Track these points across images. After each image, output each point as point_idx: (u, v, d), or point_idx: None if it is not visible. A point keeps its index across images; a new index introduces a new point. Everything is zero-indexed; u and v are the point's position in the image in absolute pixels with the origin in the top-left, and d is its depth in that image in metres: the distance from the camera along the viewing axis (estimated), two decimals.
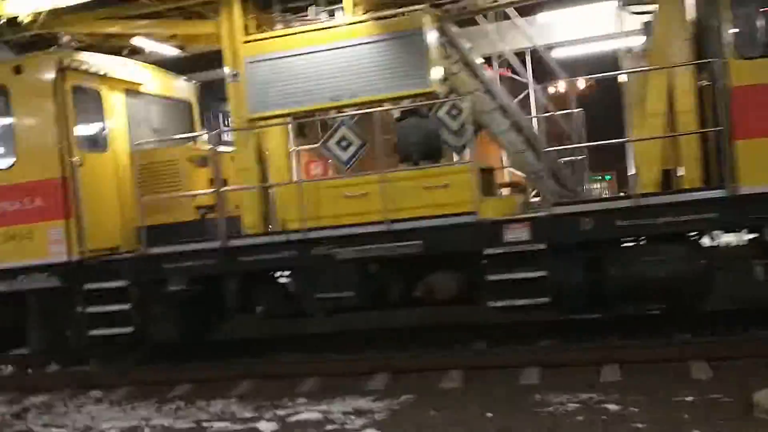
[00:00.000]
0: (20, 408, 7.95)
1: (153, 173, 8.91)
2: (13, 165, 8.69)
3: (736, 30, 6.82)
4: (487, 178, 8.20)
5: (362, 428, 5.89)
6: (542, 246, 7.26)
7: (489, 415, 5.94)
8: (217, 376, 8.16)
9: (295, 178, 9.82)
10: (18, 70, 8.65)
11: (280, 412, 6.66)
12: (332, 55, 8.14)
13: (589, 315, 8.16)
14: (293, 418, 6.42)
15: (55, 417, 7.42)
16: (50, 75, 8.49)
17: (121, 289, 8.39)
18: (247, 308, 8.53)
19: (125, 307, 8.37)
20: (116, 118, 9.30)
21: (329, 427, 6.05)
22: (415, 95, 8.22)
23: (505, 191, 9.25)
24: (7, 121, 8.80)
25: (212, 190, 8.38)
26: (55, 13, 9.17)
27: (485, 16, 8.99)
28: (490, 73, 8.69)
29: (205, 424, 6.54)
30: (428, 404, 6.43)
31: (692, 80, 7.41)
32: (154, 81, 10.03)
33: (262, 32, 8.76)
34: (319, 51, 8.19)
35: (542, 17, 10.75)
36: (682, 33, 7.54)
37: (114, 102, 9.28)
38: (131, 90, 9.56)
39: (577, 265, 7.38)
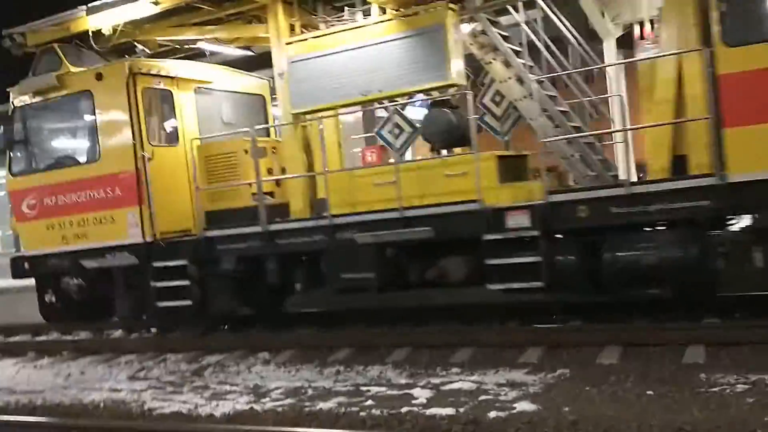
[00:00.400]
0: (198, 366, 8.69)
1: (216, 164, 9.89)
2: (98, 159, 10.08)
3: (723, 17, 6.69)
4: (514, 165, 8.48)
5: (515, 400, 5.89)
6: (534, 233, 7.59)
7: (649, 393, 5.74)
8: (375, 343, 8.46)
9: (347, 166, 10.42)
10: (99, 76, 9.95)
11: (435, 380, 6.82)
12: (361, 53, 8.62)
13: (588, 298, 8.39)
14: (447, 387, 6.55)
15: (228, 375, 8.06)
16: (123, 80, 9.72)
17: (183, 267, 9.54)
18: (287, 286, 9.46)
19: (185, 282, 9.52)
20: (187, 114, 10.46)
21: (482, 397, 6.10)
22: (436, 87, 8.56)
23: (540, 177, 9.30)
24: (93, 120, 10.11)
25: (252, 180, 9.32)
26: (134, 24, 10.19)
27: (515, 8, 8.98)
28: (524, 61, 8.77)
29: (363, 388, 6.82)
30: (584, 380, 6.32)
31: (700, 66, 7.18)
32: (226, 79, 11.10)
33: (303, 34, 9.37)
34: (349, 50, 8.70)
35: None
36: (689, 19, 7.32)
37: (184, 100, 10.45)
38: (201, 88, 10.70)
39: (572, 250, 7.63)
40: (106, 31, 10.15)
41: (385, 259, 8.58)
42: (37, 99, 10.53)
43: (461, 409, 5.80)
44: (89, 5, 10.17)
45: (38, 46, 10.65)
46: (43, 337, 11.75)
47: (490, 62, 8.66)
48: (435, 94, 8.93)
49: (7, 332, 12.31)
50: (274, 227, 9.14)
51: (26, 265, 10.90)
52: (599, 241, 7.54)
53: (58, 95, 10.33)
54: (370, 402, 6.35)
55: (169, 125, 10.41)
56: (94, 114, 10.06)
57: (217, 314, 10.02)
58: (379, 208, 8.43)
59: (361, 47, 8.64)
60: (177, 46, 11.00)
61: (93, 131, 10.12)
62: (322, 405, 6.37)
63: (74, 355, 10.24)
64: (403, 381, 7.01)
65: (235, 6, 9.76)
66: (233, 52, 11.40)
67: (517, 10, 9.05)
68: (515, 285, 7.73)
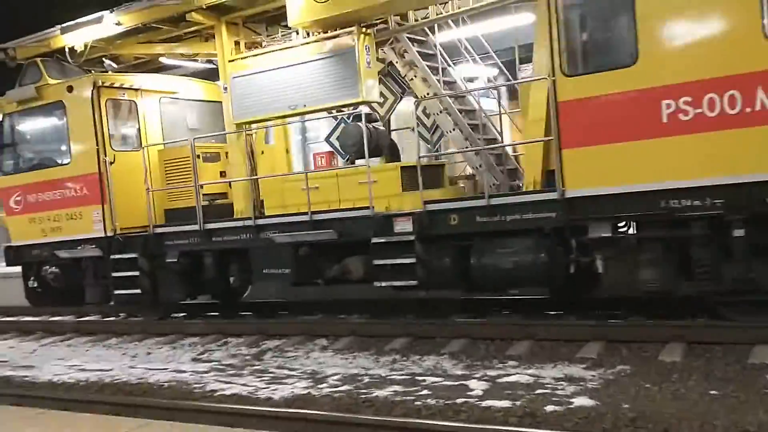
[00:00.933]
0: (258, 350, 8.89)
1: (173, 167, 11.06)
2: (69, 162, 11.37)
3: (563, 50, 7.41)
4: (428, 173, 9.21)
5: (573, 395, 5.83)
6: (412, 237, 8.58)
7: (713, 392, 5.61)
8: (430, 334, 8.49)
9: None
10: (70, 89, 11.22)
11: (491, 373, 6.81)
12: (289, 72, 9.51)
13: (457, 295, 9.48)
14: (503, 380, 6.53)
15: (287, 360, 8.23)
16: (88, 92, 10.98)
17: (135, 259, 10.70)
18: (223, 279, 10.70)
19: (136, 273, 10.70)
20: (150, 122, 11.64)
21: (539, 391, 6.07)
22: (349, 104, 9.38)
23: (461, 183, 10.34)
24: (65, 127, 11.37)
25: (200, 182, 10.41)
26: (106, 41, 11.26)
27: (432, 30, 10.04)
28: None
29: (418, 378, 6.86)
30: (645, 377, 6.22)
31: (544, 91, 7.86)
32: (190, 88, 12.15)
33: (242, 53, 10.33)
34: (279, 68, 9.60)
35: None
36: (547, 49, 7.65)
37: (148, 109, 11.61)
38: (166, 98, 11.84)
39: (445, 253, 8.54)
40: (79, 47, 11.27)
41: (299, 256, 9.59)
42: (21, 107, 11.84)
43: (517, 402, 5.78)
44: (63, 25, 11.33)
45: (26, 60, 11.84)
46: (112, 318, 12.21)
47: (412, 79, 9.67)
48: (350, 109, 9.88)
49: (80, 312, 12.85)
50: (209, 226, 10.26)
51: (12, 254, 12.29)
52: (468, 246, 8.46)
53: (37, 104, 11.63)
54: (425, 392, 6.38)
55: (131, 132, 11.55)
56: (66, 122, 11.33)
57: (166, 302, 11.17)
58: (303, 211, 9.37)
59: (288, 66, 9.51)
60: (149, 60, 12.17)
61: (65, 137, 11.41)
62: (378, 393, 6.45)
63: (141, 336, 10.62)
64: (458, 372, 7.03)
65: (189, 25, 10.75)
66: (196, 65, 12.45)
67: (433, 32, 10.01)
68: (396, 283, 8.73)
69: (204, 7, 10.01)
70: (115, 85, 11.24)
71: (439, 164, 9.89)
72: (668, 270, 7.34)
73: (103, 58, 11.79)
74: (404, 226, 8.71)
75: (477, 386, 6.41)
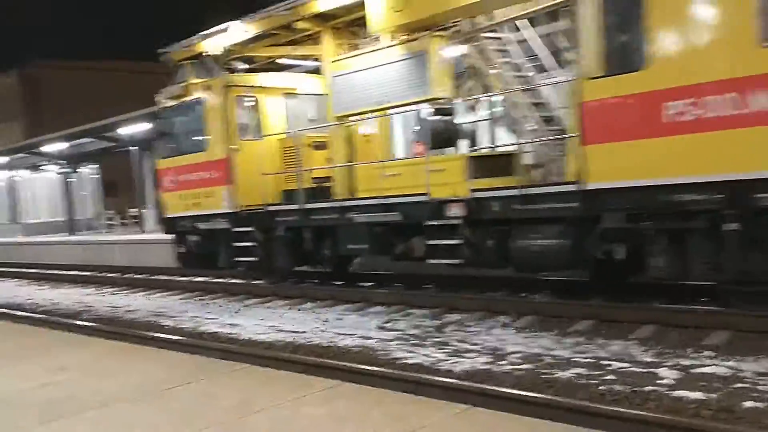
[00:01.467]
0: (440, 323, 9.10)
1: (290, 154, 12.58)
2: (206, 149, 13.15)
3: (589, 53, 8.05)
4: (495, 163, 10.00)
5: None
6: (459, 221, 9.52)
7: None
8: (618, 318, 8.19)
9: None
10: (207, 87, 13.13)
11: (684, 362, 6.50)
12: (375, 72, 10.59)
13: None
14: (698, 370, 6.23)
15: (468, 335, 8.38)
16: (219, 91, 12.82)
17: (251, 233, 12.47)
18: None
19: (253, 244, 12.40)
20: (273, 115, 13.27)
21: (738, 385, 5.71)
22: (423, 101, 10.23)
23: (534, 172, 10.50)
24: (204, 120, 13.18)
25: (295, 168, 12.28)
26: (240, 46, 13.01)
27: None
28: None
29: (603, 362, 6.69)
30: None
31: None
32: (310, 85, 13.50)
33: (341, 55, 11.46)
34: (367, 68, 10.70)
35: None
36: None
37: (271, 104, 13.27)
38: (289, 93, 13.45)
39: (488, 235, 9.43)
40: (215, 51, 13.09)
41: (374, 234, 10.89)
42: (174, 102, 13.87)
43: (713, 395, 5.44)
44: (202, 33, 13.29)
45: (179, 61, 13.87)
46: (306, 284, 13.06)
47: (487, 75, 10.70)
48: (426, 104, 10.49)
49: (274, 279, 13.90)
50: (308, 206, 11.74)
51: (167, 224, 14.58)
52: (508, 230, 9.23)
53: (185, 100, 13.56)
54: (611, 377, 6.20)
55: (255, 124, 13.12)
56: (204, 115, 13.14)
57: (278, 269, 12.86)
58: (384, 195, 10.57)
59: (374, 67, 10.60)
60: (275, 60, 13.89)
61: (204, 128, 13.19)
62: (560, 374, 6.36)
63: (331, 303, 11.27)
64: (648, 359, 6.73)
65: (303, 30, 12.09)
66: (316, 63, 13.46)
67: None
68: (445, 261, 9.76)
69: (307, 16, 11.42)
70: (241, 84, 12.98)
71: (508, 153, 10.26)
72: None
73: (235, 61, 13.66)
74: (456, 211, 9.66)
75: (668, 375, 6.12)
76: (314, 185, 12.06)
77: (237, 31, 12.44)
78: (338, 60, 11.30)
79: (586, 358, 6.93)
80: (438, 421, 4.03)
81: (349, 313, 10.45)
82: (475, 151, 11.09)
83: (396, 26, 10.09)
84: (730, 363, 6.34)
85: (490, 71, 10.25)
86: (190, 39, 13.52)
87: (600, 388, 5.88)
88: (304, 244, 12.10)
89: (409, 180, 10.17)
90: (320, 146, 12.24)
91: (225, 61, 13.41)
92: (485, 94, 10.92)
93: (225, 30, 12.58)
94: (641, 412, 5.13)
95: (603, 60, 7.90)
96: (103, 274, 18.47)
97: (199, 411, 4.65)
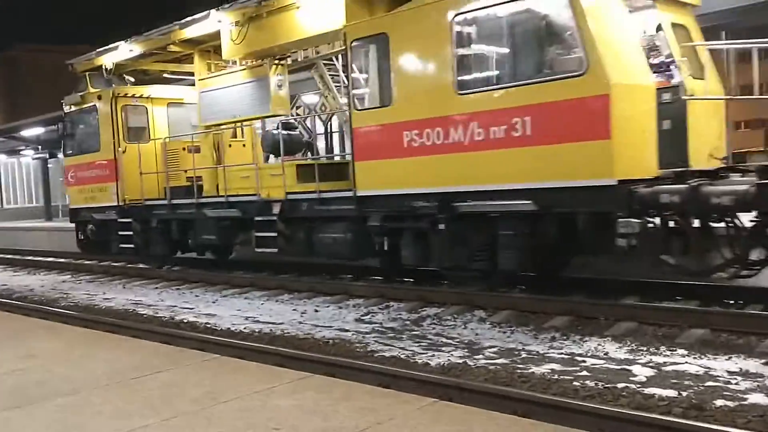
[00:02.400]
0: (418, 316, 9.08)
1: (171, 155, 14.42)
2: (100, 150, 15.41)
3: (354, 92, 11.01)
4: (325, 170, 11.94)
5: (748, 391, 5.45)
6: (274, 218, 11.71)
7: None
8: (594, 314, 8.21)
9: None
10: (99, 97, 15.36)
11: (657, 359, 6.52)
12: (230, 90, 12.71)
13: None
14: (670, 368, 6.23)
15: (445, 329, 8.36)
16: (108, 100, 15.09)
17: (127, 223, 14.95)
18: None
19: (130, 233, 14.85)
20: (160, 121, 15.49)
21: (710, 383, 5.73)
22: (264, 117, 12.82)
23: None
24: (97, 125, 15.45)
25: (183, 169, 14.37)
26: (129, 61, 15.02)
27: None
28: None
29: (578, 358, 6.70)
30: None
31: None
32: (194, 96, 14.33)
33: (205, 74, 13.53)
34: (226, 87, 12.80)
35: None
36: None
37: (158, 112, 15.51)
38: (174, 102, 15.62)
39: (301, 229, 11.54)
40: (109, 65, 15.14)
41: (222, 227, 13.05)
42: (75, 108, 16.11)
43: (684, 393, 5.47)
44: (99, 49, 15.32)
45: (82, 72, 16.00)
46: (284, 275, 13.00)
47: (326, 96, 13.17)
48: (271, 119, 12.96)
49: (257, 267, 13.82)
50: (174, 202, 13.80)
51: (71, 214, 16.83)
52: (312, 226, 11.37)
53: (83, 106, 15.80)
54: (584, 373, 6.21)
55: (141, 129, 15.36)
56: (98, 120, 15.40)
57: (155, 255, 15.04)
58: (238, 194, 12.56)
59: (230, 86, 12.66)
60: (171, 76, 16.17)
61: (98, 132, 15.44)
62: (535, 369, 6.36)
63: (310, 295, 11.22)
64: (622, 356, 6.75)
65: (177, 53, 14.23)
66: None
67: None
68: (266, 250, 11.96)
69: (178, 41, 13.41)
70: (129, 95, 15.23)
71: (337, 162, 12.19)
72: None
73: (131, 73, 15.82)
74: (276, 209, 11.70)
75: (641, 372, 6.15)
76: (188, 183, 13.77)
77: (124, 50, 14.60)
78: (204, 78, 13.40)
79: (561, 353, 6.94)
80: (406, 413, 4.00)
81: (328, 305, 10.41)
82: (317, 159, 13.26)
83: (239, 55, 12.34)
84: (703, 361, 6.37)
85: (328, 93, 12.52)
86: (89, 54, 15.69)
87: (574, 383, 5.88)
88: (172, 234, 14.23)
89: (273, 180, 11.97)
90: (195, 150, 14.01)
91: (119, 74, 15.57)
92: (310, 113, 14.14)
93: (116, 48, 14.77)
94: (613, 409, 5.14)
95: (357, 97, 10.41)
96: (80, 261, 18.29)
97: (166, 400, 4.59)
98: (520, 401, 5.38)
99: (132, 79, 15.88)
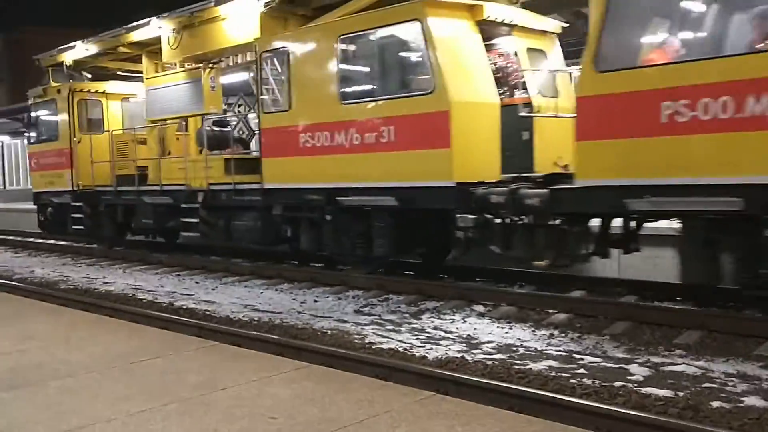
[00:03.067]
0: (417, 309, 9.09)
1: (121, 146, 15.77)
2: (58, 139, 16.84)
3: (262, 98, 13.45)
4: (244, 163, 12.66)
5: (744, 394, 5.43)
6: (198, 206, 13.18)
7: None
8: (593, 312, 8.21)
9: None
10: (58, 91, 16.72)
11: (655, 359, 6.51)
12: (171, 89, 13.96)
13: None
14: (667, 368, 6.22)
15: (444, 323, 8.36)
16: (65, 95, 16.49)
17: (79, 207, 16.48)
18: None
19: (81, 215, 16.38)
20: (113, 115, 16.91)
21: (706, 384, 5.72)
22: (197, 114, 13.82)
23: None
24: (57, 116, 16.88)
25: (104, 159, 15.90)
26: (89, 59, 16.37)
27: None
28: None
29: (576, 356, 6.70)
30: None
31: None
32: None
33: (151, 74, 14.73)
34: (168, 86, 14.07)
35: None
36: None
37: (113, 106, 16.95)
38: (127, 98, 16.90)
39: (221, 217, 12.88)
40: (68, 62, 16.47)
41: (158, 212, 14.33)
42: (38, 100, 17.52)
43: (680, 393, 5.47)
44: (60, 47, 16.74)
45: (47, 66, 17.28)
46: (285, 265, 13.01)
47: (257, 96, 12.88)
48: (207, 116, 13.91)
49: (256, 257, 13.83)
50: (119, 188, 15.29)
51: (35, 197, 18.18)
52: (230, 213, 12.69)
53: (46, 99, 17.20)
54: (582, 371, 6.21)
55: (96, 122, 16.73)
56: (57, 113, 16.77)
57: (104, 237, 16.54)
58: (172, 183, 13.85)
59: (171, 85, 13.92)
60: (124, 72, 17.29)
61: (56, 123, 16.78)
62: (533, 365, 6.36)
63: (310, 285, 11.23)
64: (619, 355, 6.75)
65: (127, 53, 15.60)
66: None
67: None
68: (189, 234, 13.62)
69: (126, 43, 14.69)
70: (85, 90, 16.58)
71: (255, 158, 12.39)
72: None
73: (91, 70, 17.17)
74: (200, 198, 13.06)
75: (638, 371, 6.14)
76: (138, 172, 14.84)
77: (81, 49, 15.95)
78: (150, 77, 14.61)
79: (559, 351, 6.95)
80: (404, 406, 4.01)
81: (327, 295, 10.42)
82: (247, 154, 13.77)
83: (176, 59, 13.67)
84: (700, 363, 6.37)
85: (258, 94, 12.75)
86: (52, 51, 17.03)
87: (571, 381, 5.89)
88: (118, 218, 15.63)
89: (192, 173, 13.29)
90: (143, 141, 15.18)
91: (80, 70, 16.91)
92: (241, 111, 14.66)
93: (74, 47, 16.08)
94: (609, 407, 5.15)
95: (266, 103, 11.73)
96: (81, 244, 18.32)
97: (164, 386, 4.60)
98: (516, 397, 5.39)
99: (89, 75, 17.30)
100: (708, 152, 6.65)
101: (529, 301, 8.94)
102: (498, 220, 8.88)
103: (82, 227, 16.38)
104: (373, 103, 10.02)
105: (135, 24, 14.22)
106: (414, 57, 9.79)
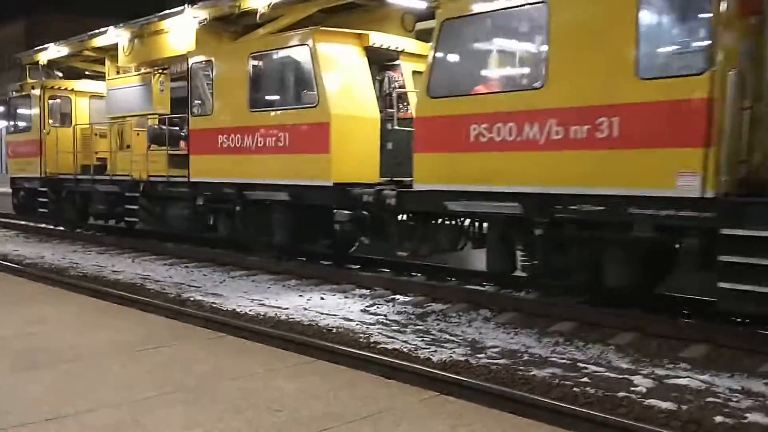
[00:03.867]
0: (423, 311, 9.10)
1: (85, 139, 17.52)
2: (31, 130, 18.74)
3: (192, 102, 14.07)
4: (179, 159, 14.07)
5: (748, 410, 5.39)
6: (138, 195, 14.97)
7: None
8: (600, 322, 8.19)
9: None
10: (33, 87, 18.55)
11: (659, 372, 6.48)
12: (127, 90, 15.55)
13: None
14: (672, 381, 6.19)
15: (449, 326, 8.37)
16: (38, 91, 18.36)
17: (45, 192, 18.41)
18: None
19: (47, 199, 18.35)
20: (81, 110, 18.65)
21: (710, 399, 5.70)
22: (148, 114, 14.96)
23: None
24: (31, 110, 18.77)
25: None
26: (63, 59, 18.04)
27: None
28: None
29: (580, 365, 6.69)
30: None
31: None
32: None
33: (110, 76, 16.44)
34: (124, 87, 15.63)
35: None
36: None
37: (81, 102, 18.71)
38: (95, 96, 18.48)
39: (158, 205, 14.75)
40: (43, 61, 18.32)
41: (109, 200, 16.03)
42: (16, 94, 19.52)
43: (684, 407, 5.46)
44: (36, 48, 18.75)
45: (25, 65, 19.46)
46: (292, 262, 13.05)
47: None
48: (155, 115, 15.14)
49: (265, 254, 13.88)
50: (78, 176, 16.97)
51: (11, 182, 19.98)
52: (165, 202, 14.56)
53: (22, 93, 19.16)
54: (585, 379, 6.20)
55: (65, 116, 18.51)
56: (31, 107, 18.65)
57: (66, 220, 18.48)
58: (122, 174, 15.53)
59: (128, 87, 15.50)
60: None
61: (30, 116, 18.72)
62: (536, 372, 6.36)
63: (318, 282, 11.26)
64: (624, 365, 6.74)
65: (92, 56, 17.33)
66: None
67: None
68: (131, 219, 15.52)
69: (90, 48, 16.47)
70: (56, 87, 18.40)
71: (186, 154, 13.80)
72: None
73: (56, 69, 18.80)
74: (142, 187, 14.73)
75: (642, 383, 6.12)
76: (98, 163, 16.58)
77: (53, 50, 17.65)
78: (111, 79, 16.23)
79: (564, 358, 6.94)
80: (407, 404, 4.04)
81: (334, 293, 10.45)
82: (180, 151, 14.78)
83: (129, 64, 15.26)
84: (705, 377, 6.35)
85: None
86: (29, 51, 19.17)
87: (574, 389, 5.89)
88: (77, 203, 17.32)
89: (138, 166, 14.79)
90: (104, 135, 16.77)
91: (53, 69, 18.68)
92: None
93: (47, 48, 17.80)
94: (611, 417, 5.15)
95: (195, 107, 13.39)
96: (91, 232, 18.48)
97: (169, 374, 4.65)
98: (519, 402, 5.40)
99: (60, 74, 19.07)
100: (499, 166, 8.45)
101: (536, 308, 8.93)
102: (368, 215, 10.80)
103: (46, 210, 18.36)
104: (274, 112, 11.86)
105: (97, 31, 16.13)
106: (305, 75, 11.40)
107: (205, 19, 13.22)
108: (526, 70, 9.04)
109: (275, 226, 12.13)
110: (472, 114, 8.63)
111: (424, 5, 10.82)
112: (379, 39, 11.47)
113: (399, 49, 11.70)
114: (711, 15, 6.82)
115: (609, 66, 7.40)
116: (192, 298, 9.98)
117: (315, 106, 10.91)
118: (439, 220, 9.83)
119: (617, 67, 7.31)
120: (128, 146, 15.73)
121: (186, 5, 13.59)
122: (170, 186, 13.99)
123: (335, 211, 11.22)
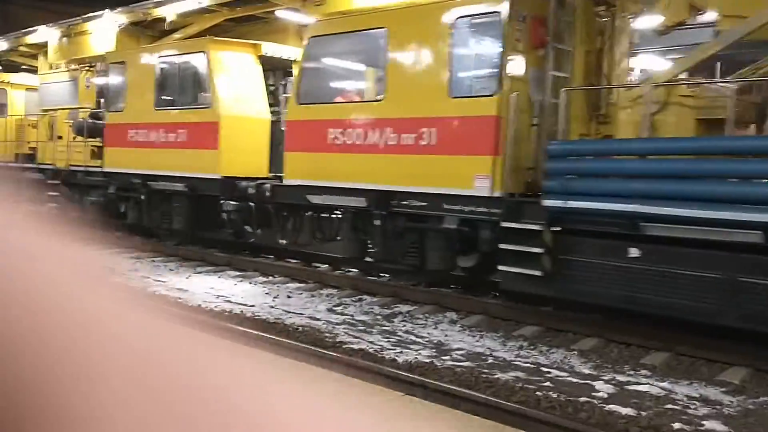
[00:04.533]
0: (390, 312, 9.10)
1: (18, 130, 19.09)
2: None
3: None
4: (97, 149, 15.43)
5: (705, 417, 5.52)
6: (59, 182, 16.30)
7: None
8: (563, 327, 8.29)
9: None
10: None
11: (620, 378, 6.57)
12: (56, 85, 17.15)
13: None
14: (632, 387, 6.29)
15: (415, 327, 8.38)
16: None
17: None
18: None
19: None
20: (16, 102, 19.98)
21: (669, 406, 5.80)
22: (76, 108, 16.16)
23: None
24: None
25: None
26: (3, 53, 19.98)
27: None
28: None
29: (543, 369, 6.76)
30: None
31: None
32: None
33: (45, 71, 18.14)
34: (54, 82, 17.39)
35: None
36: None
37: (16, 94, 20.06)
38: (31, 89, 19.43)
39: (77, 192, 15.97)
40: None
41: (36, 187, 16.30)
42: None
43: (643, 413, 5.55)
44: None
45: None
46: (261, 259, 12.98)
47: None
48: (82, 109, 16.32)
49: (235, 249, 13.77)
50: (8, 164, 17.83)
51: None
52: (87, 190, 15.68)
53: None
54: (548, 384, 6.28)
55: (1, 107, 19.83)
56: None
57: None
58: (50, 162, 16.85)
59: (57, 82, 16.98)
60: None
61: None
62: (500, 375, 6.42)
63: (284, 280, 11.21)
64: (586, 371, 6.83)
65: (27, 53, 19.31)
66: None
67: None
68: (52, 204, 15.38)
69: (24, 44, 18.42)
70: None
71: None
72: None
73: (11, 62, 20.42)
74: (61, 175, 16.09)
75: (603, 388, 6.22)
76: (30, 152, 17.83)
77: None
78: (43, 73, 17.90)
79: (527, 362, 7.01)
80: (371, 405, 4.04)
81: (301, 292, 10.41)
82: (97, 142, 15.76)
83: (58, 61, 16.78)
84: (665, 384, 6.47)
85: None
86: None
87: (537, 393, 5.95)
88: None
89: (63, 155, 16.10)
90: (36, 126, 17.97)
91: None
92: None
93: None
94: (572, 422, 5.21)
95: (110, 103, 14.73)
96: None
97: None
98: (483, 405, 5.43)
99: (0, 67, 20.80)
100: (350, 166, 9.99)
101: (501, 312, 9.00)
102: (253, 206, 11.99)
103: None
104: (175, 111, 13.33)
105: (29, 30, 17.62)
106: (201, 79, 12.86)
107: (124, 23, 15.05)
108: (371, 85, 11.09)
109: (175, 214, 13.41)
110: (330, 120, 10.34)
111: (311, 20, 11.66)
112: (271, 49, 12.98)
113: (291, 59, 12.89)
114: (501, 48, 8.52)
115: (431, 85, 9.14)
116: (157, 293, 9.86)
117: (208, 107, 12.45)
118: (307, 213, 11.17)
119: (436, 86, 9.07)
120: (60, 137, 16.76)
121: (107, 9, 15.26)
122: (87, 175, 15.39)
123: (224, 201, 12.36)
